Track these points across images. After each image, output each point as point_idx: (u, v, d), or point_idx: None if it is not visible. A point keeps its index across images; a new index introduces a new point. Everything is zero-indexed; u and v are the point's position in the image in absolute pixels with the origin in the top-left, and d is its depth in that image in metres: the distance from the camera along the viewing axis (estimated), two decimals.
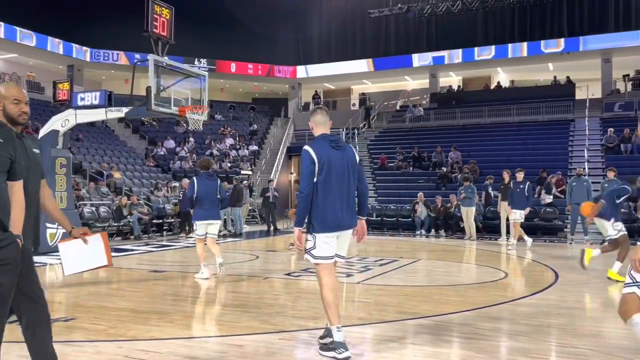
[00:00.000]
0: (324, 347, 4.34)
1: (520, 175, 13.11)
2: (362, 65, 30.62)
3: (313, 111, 4.57)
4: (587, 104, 23.97)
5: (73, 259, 3.59)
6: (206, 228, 8.36)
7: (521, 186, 12.91)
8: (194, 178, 8.44)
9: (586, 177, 14.91)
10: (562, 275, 8.65)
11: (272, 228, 18.45)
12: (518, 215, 12.94)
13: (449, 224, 16.89)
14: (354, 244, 11.16)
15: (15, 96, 3.06)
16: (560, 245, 14.22)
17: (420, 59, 29.28)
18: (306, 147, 4.29)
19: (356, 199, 4.53)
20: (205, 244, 8.44)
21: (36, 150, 3.22)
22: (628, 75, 25.64)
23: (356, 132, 26.12)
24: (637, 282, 3.36)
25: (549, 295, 7.01)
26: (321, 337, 4.50)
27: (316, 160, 4.21)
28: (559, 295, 7.07)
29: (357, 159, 4.51)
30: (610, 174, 13.36)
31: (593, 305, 6.79)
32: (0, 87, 3.10)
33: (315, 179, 4.22)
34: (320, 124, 4.48)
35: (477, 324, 5.34)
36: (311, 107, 33.14)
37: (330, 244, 4.30)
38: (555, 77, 28.25)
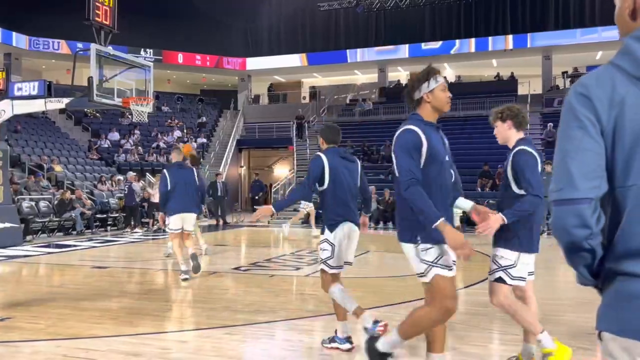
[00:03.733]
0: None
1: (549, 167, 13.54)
2: (296, 59, 30.57)
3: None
4: (529, 100, 24.82)
5: None
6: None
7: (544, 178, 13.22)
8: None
9: None
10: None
11: (220, 222, 18.25)
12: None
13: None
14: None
15: None
16: None
17: (366, 54, 29.49)
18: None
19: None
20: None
21: None
22: (567, 72, 26.70)
23: (306, 125, 26.11)
24: (502, 267, 3.56)
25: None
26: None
27: None
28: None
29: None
30: (548, 168, 13.89)
31: (538, 294, 7.03)
32: None
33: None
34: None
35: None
36: (262, 100, 33.15)
37: None
38: (498, 73, 29.10)
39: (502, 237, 3.56)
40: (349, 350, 4.25)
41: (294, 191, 5.25)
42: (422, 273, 3.09)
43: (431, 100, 3.15)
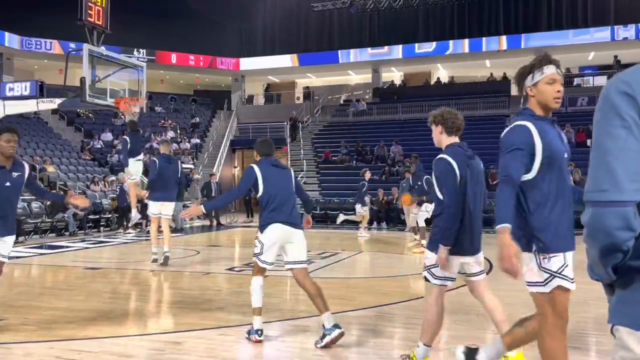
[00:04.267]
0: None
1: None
2: (287, 60, 30.56)
3: None
4: (522, 101, 24.90)
5: None
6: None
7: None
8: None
9: None
10: (495, 264, 8.96)
11: (214, 223, 18.21)
12: None
13: (390, 217, 17.19)
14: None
15: None
16: (495, 235, 14.72)
17: (360, 54, 29.53)
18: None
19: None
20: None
21: None
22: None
23: (300, 125, 26.09)
24: (426, 266, 3.69)
25: None
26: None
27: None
28: (491, 285, 7.32)
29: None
30: None
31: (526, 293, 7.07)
32: None
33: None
34: None
35: (417, 314, 5.46)
36: (256, 100, 33.11)
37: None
38: (491, 73, 29.19)
39: (430, 239, 3.69)
40: (341, 335, 4.28)
41: (225, 195, 6.64)
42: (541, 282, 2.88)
43: (535, 94, 2.89)
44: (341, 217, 15.29)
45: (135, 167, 9.90)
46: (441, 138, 3.77)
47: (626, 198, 1.27)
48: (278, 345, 4.60)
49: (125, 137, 10.20)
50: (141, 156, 10.23)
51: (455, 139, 3.75)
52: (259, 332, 4.50)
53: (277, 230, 4.53)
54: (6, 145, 4.62)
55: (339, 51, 29.75)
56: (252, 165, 4.69)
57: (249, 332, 4.58)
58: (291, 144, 25.09)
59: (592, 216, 1.31)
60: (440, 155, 3.63)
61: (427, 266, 3.65)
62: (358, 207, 14.46)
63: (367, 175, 14.38)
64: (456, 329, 4.93)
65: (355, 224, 17.52)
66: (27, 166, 4.92)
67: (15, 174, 4.73)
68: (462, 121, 3.83)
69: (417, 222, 10.95)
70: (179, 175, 8.82)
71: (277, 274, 8.33)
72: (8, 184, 4.68)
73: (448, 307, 5.81)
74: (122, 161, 10.40)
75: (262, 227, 4.59)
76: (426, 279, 3.68)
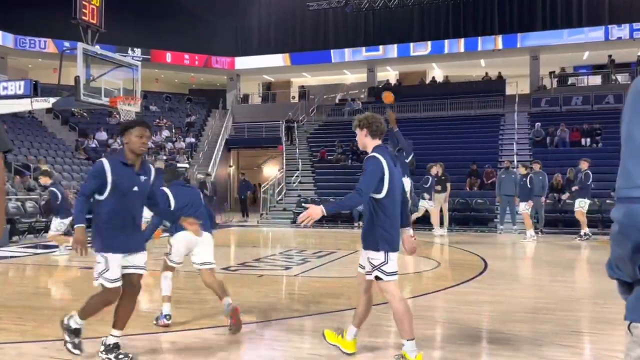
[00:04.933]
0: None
1: (522, 170, 13.41)
2: (279, 59, 30.53)
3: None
4: (517, 100, 24.98)
5: None
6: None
7: (524, 179, 13.14)
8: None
9: (515, 169, 15.50)
10: (490, 263, 9.00)
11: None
12: (523, 207, 13.06)
13: None
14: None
15: None
16: (490, 234, 14.80)
17: (355, 54, 29.53)
18: None
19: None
20: None
21: None
22: (554, 72, 26.92)
23: (295, 124, 26.07)
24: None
25: (479, 284, 7.27)
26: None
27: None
28: (487, 283, 7.35)
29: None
30: (536, 166, 14.01)
31: (524, 293, 7.10)
32: None
33: None
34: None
35: (413, 312, 5.46)
36: (252, 99, 33.07)
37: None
38: (486, 73, 29.26)
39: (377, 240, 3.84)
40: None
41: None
42: None
43: None
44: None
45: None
46: (366, 141, 3.98)
47: None
48: (273, 345, 4.60)
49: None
50: None
51: (379, 142, 3.99)
52: (167, 317, 4.99)
53: (185, 236, 4.90)
54: (137, 141, 3.83)
55: (332, 51, 29.73)
56: (164, 189, 5.11)
57: (157, 318, 5.01)
58: (286, 143, 25.08)
59: (626, 213, 1.27)
60: (373, 154, 3.84)
61: (376, 266, 3.80)
62: (424, 202, 13.82)
63: (434, 170, 13.91)
64: (453, 327, 4.93)
65: (350, 222, 17.53)
66: (153, 169, 4.10)
67: (143, 178, 3.95)
68: (385, 126, 4.06)
69: None
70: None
71: (273, 274, 8.33)
72: (136, 188, 3.87)
73: (440, 307, 5.81)
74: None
75: (171, 232, 5.11)
76: (378, 278, 3.82)
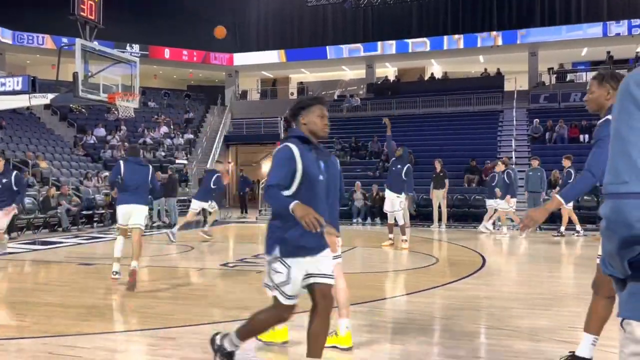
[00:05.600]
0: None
1: (501, 166, 13.36)
2: (275, 56, 30.47)
3: None
4: (515, 96, 24.98)
5: None
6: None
7: (501, 175, 13.16)
8: (120, 162, 7.19)
9: (512, 166, 15.48)
10: (489, 260, 9.02)
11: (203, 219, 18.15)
12: (502, 204, 13.01)
13: (384, 212, 17.17)
14: None
15: None
16: (477, 231, 14.79)
17: (353, 50, 29.49)
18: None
19: None
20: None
21: None
22: (552, 68, 26.92)
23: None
24: None
25: (477, 280, 7.30)
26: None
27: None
28: (485, 279, 7.37)
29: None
30: (535, 163, 14.01)
31: (522, 289, 7.13)
32: None
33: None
34: None
35: (410, 309, 5.49)
36: (250, 95, 33.02)
37: None
38: (485, 69, 29.25)
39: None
40: None
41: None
42: None
43: None
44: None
45: None
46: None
47: None
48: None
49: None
50: None
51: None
52: (114, 273, 6.83)
53: (128, 209, 6.81)
54: (320, 123, 3.30)
55: (327, 47, 29.66)
56: (120, 161, 7.20)
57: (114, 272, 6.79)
58: None
59: (613, 208, 1.30)
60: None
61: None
62: (507, 200, 13.10)
63: (498, 167, 13.45)
64: (455, 325, 4.95)
65: (349, 218, 17.52)
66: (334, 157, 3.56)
67: (331, 168, 3.51)
68: None
69: (395, 219, 10.95)
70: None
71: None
72: (321, 177, 3.21)
73: (439, 304, 5.81)
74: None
75: (117, 204, 7.00)
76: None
